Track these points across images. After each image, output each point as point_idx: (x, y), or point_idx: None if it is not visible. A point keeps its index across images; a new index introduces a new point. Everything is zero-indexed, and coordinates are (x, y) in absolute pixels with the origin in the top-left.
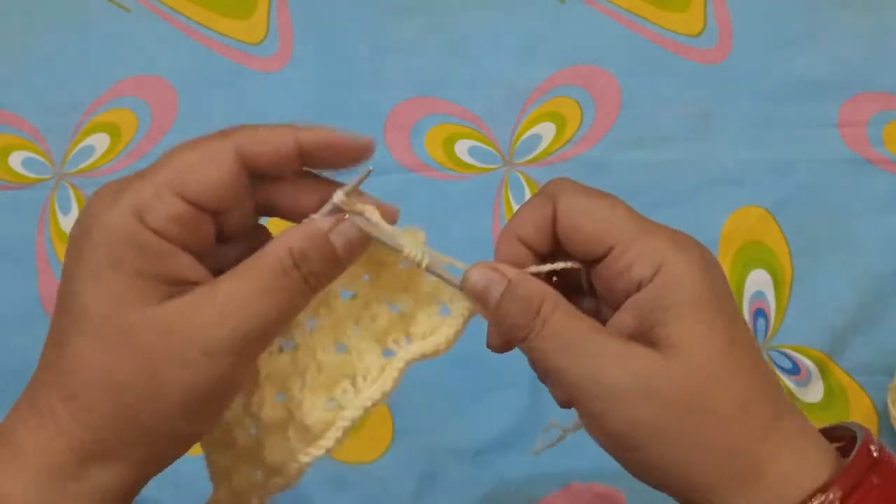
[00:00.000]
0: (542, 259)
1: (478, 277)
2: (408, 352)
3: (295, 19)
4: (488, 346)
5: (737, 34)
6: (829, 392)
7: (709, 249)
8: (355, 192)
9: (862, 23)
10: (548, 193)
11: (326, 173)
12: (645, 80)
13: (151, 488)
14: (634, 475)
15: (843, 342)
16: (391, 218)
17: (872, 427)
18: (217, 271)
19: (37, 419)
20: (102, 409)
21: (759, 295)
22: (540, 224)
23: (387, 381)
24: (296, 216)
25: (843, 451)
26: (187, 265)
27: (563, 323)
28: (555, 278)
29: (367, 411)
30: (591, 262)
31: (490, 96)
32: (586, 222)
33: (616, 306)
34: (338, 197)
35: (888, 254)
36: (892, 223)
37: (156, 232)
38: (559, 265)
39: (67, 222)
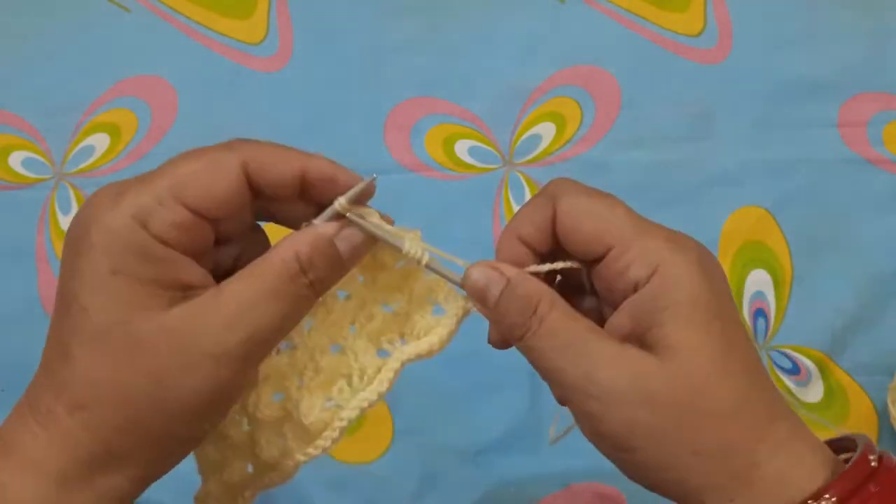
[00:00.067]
0: (543, 259)
1: (478, 276)
2: (403, 352)
3: (295, 19)
4: (489, 343)
5: (737, 34)
6: (829, 392)
7: (709, 250)
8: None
9: (862, 23)
10: (548, 193)
11: None
12: (645, 80)
13: (152, 489)
14: (630, 476)
15: (843, 342)
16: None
17: (872, 427)
18: (214, 271)
19: (43, 428)
20: (111, 418)
21: (759, 295)
22: (540, 224)
23: (383, 382)
24: (292, 222)
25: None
26: (189, 270)
27: (559, 323)
28: (559, 278)
29: (363, 412)
30: (591, 262)
31: (490, 96)
32: (586, 222)
33: (616, 306)
34: (339, 204)
35: (888, 254)
36: (892, 223)
37: (158, 238)
38: (559, 265)
39: (67, 222)
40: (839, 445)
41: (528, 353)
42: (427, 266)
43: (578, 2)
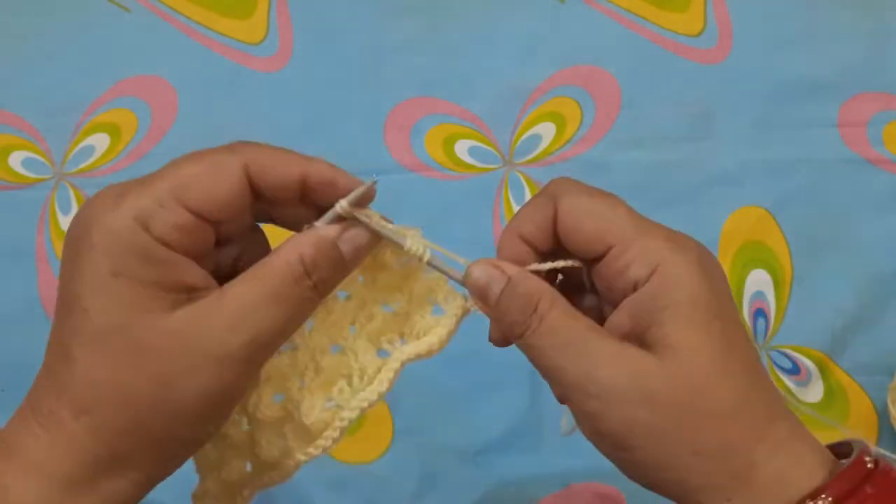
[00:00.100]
0: (544, 257)
1: (479, 273)
2: (403, 352)
3: (295, 19)
4: (490, 341)
5: (737, 34)
6: (829, 392)
7: (709, 250)
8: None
9: (862, 23)
10: (549, 193)
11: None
12: (645, 80)
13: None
14: (629, 476)
15: (843, 342)
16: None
17: (872, 427)
18: (214, 272)
19: (46, 431)
20: (115, 421)
21: (759, 295)
22: (541, 223)
23: (383, 382)
24: (292, 224)
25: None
26: (190, 272)
27: (559, 321)
28: (560, 277)
29: (364, 411)
30: (592, 261)
31: (490, 96)
32: (587, 222)
33: (616, 305)
34: (341, 206)
35: (888, 254)
36: (892, 223)
37: (159, 240)
38: (560, 263)
39: (67, 222)
40: (838, 451)
41: (528, 351)
42: (429, 263)
43: (578, 2)
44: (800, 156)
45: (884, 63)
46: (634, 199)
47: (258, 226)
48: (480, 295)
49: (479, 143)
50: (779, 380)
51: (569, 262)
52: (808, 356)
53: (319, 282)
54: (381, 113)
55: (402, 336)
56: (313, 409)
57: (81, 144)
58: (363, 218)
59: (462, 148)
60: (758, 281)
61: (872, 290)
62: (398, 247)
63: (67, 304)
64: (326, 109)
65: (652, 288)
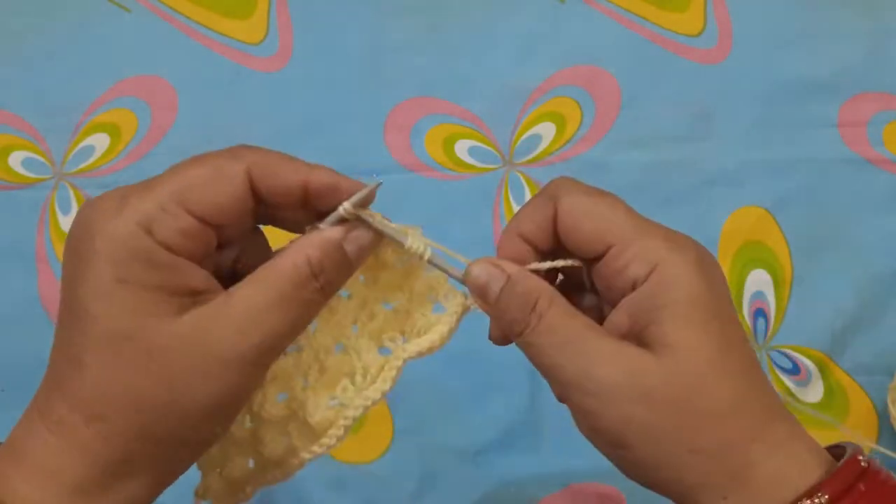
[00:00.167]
0: (544, 256)
1: (479, 272)
2: (405, 350)
3: (295, 19)
4: (490, 339)
5: (737, 34)
6: (829, 392)
7: (708, 251)
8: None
9: (862, 23)
10: (550, 192)
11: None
12: (645, 80)
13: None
14: (626, 474)
15: (843, 342)
16: None
17: (872, 427)
18: (215, 274)
19: (57, 438)
20: (127, 427)
21: (759, 295)
22: (542, 222)
23: (386, 381)
24: (292, 226)
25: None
26: (195, 275)
27: (558, 319)
28: (561, 277)
29: (367, 409)
30: (592, 260)
31: (490, 96)
32: (587, 221)
33: (615, 305)
34: (344, 209)
35: (888, 254)
36: (892, 223)
37: (163, 244)
38: (559, 263)
39: (67, 222)
40: (832, 453)
41: (527, 349)
42: (429, 261)
43: (578, 2)
44: (800, 156)
45: (884, 63)
46: (634, 199)
47: (258, 227)
48: (480, 293)
49: (479, 143)
50: (779, 380)
51: (568, 262)
52: (808, 356)
53: (326, 283)
54: (381, 113)
55: (403, 334)
56: (318, 408)
57: (81, 144)
58: (367, 218)
59: (462, 148)
60: (758, 281)
61: (872, 290)
62: (399, 245)
63: (73, 311)
64: (326, 109)
65: (651, 287)
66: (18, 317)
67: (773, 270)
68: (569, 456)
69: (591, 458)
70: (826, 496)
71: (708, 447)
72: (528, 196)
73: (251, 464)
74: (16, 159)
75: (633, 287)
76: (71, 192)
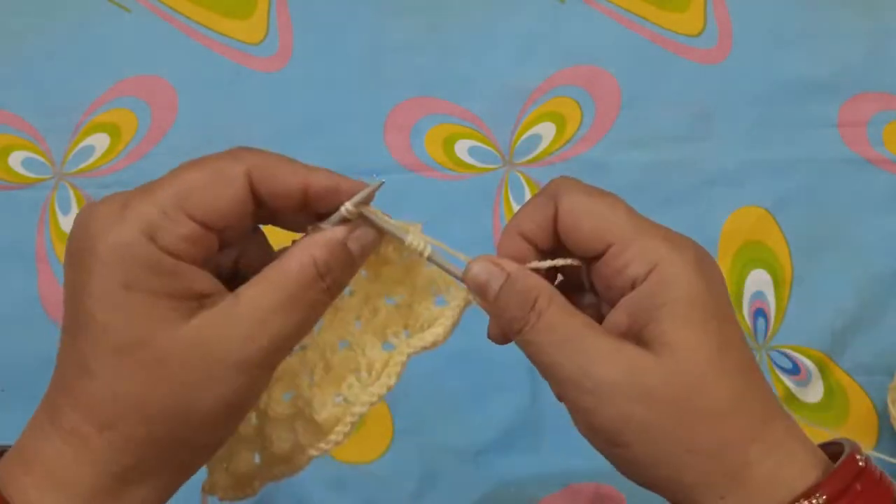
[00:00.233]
0: (544, 256)
1: (479, 270)
2: (408, 345)
3: (295, 19)
4: (489, 337)
5: (737, 34)
6: (829, 392)
7: (707, 251)
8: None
9: (862, 23)
10: (550, 192)
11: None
12: (645, 80)
13: None
14: (623, 473)
15: (843, 342)
16: None
17: (872, 427)
18: (216, 273)
19: (69, 446)
20: (139, 434)
21: (759, 295)
22: (542, 221)
23: (391, 376)
24: (293, 226)
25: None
26: (199, 279)
27: (557, 318)
28: (560, 277)
29: (373, 405)
30: (591, 259)
31: (490, 96)
32: (587, 220)
33: (613, 304)
34: (346, 209)
35: (888, 254)
36: (892, 223)
37: (165, 250)
38: (559, 262)
39: (67, 222)
40: (830, 451)
41: (525, 347)
42: (429, 259)
43: (578, 2)
44: (800, 156)
45: (884, 63)
46: (634, 199)
47: (259, 228)
48: (480, 291)
49: (479, 143)
50: (779, 380)
51: (568, 261)
52: (808, 356)
53: (333, 283)
54: (381, 113)
55: (406, 328)
56: (324, 406)
57: (81, 144)
58: (370, 215)
59: (462, 148)
60: (758, 281)
61: (872, 290)
62: (400, 242)
63: (80, 320)
64: (326, 109)
65: (650, 286)
66: (18, 317)
67: (773, 270)
68: (569, 456)
69: (590, 458)
70: (824, 497)
71: (706, 446)
72: (528, 196)
73: (257, 459)
74: (16, 159)
75: (633, 286)
76: (71, 192)
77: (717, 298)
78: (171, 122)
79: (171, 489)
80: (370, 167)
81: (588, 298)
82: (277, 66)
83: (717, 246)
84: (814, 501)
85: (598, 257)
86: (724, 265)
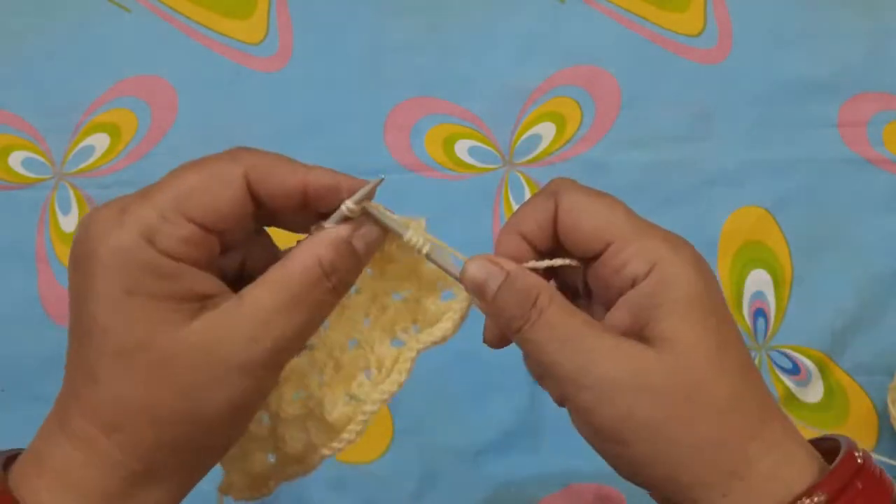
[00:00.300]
0: (542, 257)
1: (476, 269)
2: (418, 341)
3: (295, 19)
4: (485, 342)
5: (737, 34)
6: (829, 392)
7: (700, 254)
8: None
9: (862, 23)
10: (550, 192)
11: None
12: (645, 80)
13: None
14: (622, 473)
15: (843, 342)
16: None
17: (872, 427)
18: (222, 276)
19: (79, 451)
20: (146, 437)
21: (759, 295)
22: (541, 221)
23: (401, 373)
24: (294, 226)
25: (828, 462)
26: (202, 281)
27: (558, 316)
28: (553, 281)
29: (384, 403)
30: (589, 260)
31: (490, 96)
32: (586, 219)
33: (610, 305)
34: (347, 208)
35: (888, 254)
36: (892, 223)
37: (166, 253)
38: (558, 261)
39: (67, 222)
40: (823, 447)
41: (525, 345)
42: (428, 257)
43: (578, 2)
44: (800, 156)
45: (884, 63)
46: (634, 199)
47: (262, 228)
48: (477, 291)
49: (479, 143)
50: (779, 380)
51: (566, 261)
52: (808, 356)
53: (338, 283)
54: (381, 113)
55: (415, 322)
56: (335, 406)
57: (81, 144)
58: (374, 212)
59: (462, 148)
60: (758, 281)
61: (872, 290)
62: (400, 238)
63: (84, 325)
64: (326, 109)
65: (650, 284)
66: (18, 317)
67: (773, 270)
68: (568, 456)
69: (590, 459)
70: (824, 495)
71: (704, 444)
72: (528, 196)
73: (272, 459)
74: (16, 159)
75: (633, 284)
76: (71, 192)
77: (715, 298)
78: (171, 122)
79: (183, 491)
80: (370, 167)
81: (580, 302)
82: (277, 66)
83: (717, 246)
84: (815, 500)
85: (595, 257)
86: (724, 265)
